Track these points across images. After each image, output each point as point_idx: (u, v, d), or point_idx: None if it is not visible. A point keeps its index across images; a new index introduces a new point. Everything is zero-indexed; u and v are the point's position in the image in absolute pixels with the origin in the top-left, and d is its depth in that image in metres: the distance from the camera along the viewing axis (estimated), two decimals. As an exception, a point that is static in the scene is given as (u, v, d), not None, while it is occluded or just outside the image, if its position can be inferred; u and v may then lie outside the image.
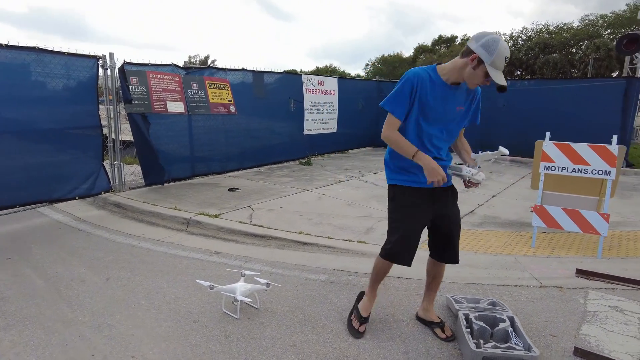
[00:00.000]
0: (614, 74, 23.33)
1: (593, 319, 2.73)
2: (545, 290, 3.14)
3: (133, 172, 6.32)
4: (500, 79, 2.00)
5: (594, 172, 3.94)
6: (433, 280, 2.64)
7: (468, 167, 2.24)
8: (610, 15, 26.99)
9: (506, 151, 2.22)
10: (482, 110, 2.35)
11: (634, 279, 3.23)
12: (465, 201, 5.38)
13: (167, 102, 5.97)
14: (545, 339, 2.50)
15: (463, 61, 2.05)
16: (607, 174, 3.89)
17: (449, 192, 2.40)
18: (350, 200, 5.48)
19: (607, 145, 3.92)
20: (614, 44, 16.16)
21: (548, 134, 4.17)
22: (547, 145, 4.13)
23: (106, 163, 5.59)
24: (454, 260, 2.48)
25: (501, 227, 4.63)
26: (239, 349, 2.37)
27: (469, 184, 2.25)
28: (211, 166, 6.90)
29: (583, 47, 26.14)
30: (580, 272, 3.37)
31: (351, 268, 3.51)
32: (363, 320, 2.55)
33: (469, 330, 2.35)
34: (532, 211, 5.13)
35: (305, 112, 8.80)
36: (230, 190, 5.92)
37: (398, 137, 2.19)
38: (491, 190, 6.21)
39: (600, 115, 7.75)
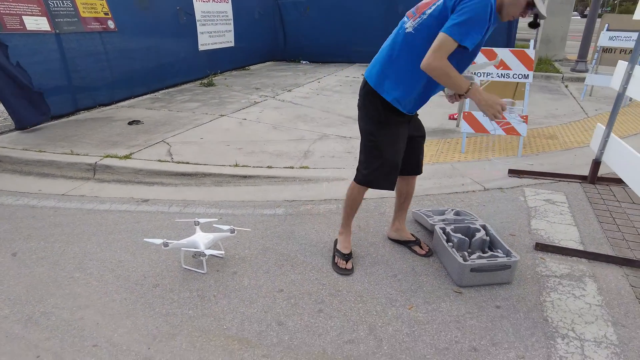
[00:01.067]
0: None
1: (536, 214, 3.02)
2: (490, 193, 3.36)
3: (-8, 112, 4.97)
4: (544, 8, 1.80)
5: (514, 76, 4.16)
6: (406, 199, 2.59)
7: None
8: None
9: (496, 61, 2.07)
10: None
11: (556, 173, 3.64)
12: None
13: (23, 16, 4.57)
14: (508, 239, 2.69)
15: None
16: (525, 78, 4.14)
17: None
18: (275, 124, 5.10)
19: (526, 50, 4.12)
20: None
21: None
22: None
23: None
24: (421, 170, 2.50)
25: (428, 136, 4.77)
26: (222, 308, 2.09)
27: (458, 96, 2.08)
28: (97, 97, 5.74)
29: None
30: (512, 172, 3.68)
31: (305, 197, 3.31)
32: (347, 257, 2.43)
33: (450, 243, 2.39)
34: (450, 118, 5.42)
35: (198, 23, 7.67)
36: (130, 123, 5.04)
37: (450, 68, 1.81)
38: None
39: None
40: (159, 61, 6.87)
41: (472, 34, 1.74)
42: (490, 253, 2.31)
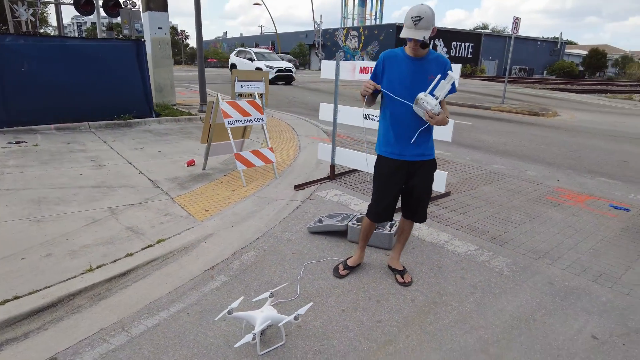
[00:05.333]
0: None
1: (337, 203, 4.45)
2: (306, 202, 4.45)
3: None
4: (406, 33, 2.36)
5: (255, 120, 5.31)
6: (402, 234, 3.00)
7: (427, 100, 2.45)
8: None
9: (455, 76, 2.54)
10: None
11: (314, 180, 5.19)
12: (156, 170, 5.11)
13: None
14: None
15: None
16: (261, 120, 5.39)
17: (425, 164, 2.71)
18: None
19: (255, 99, 5.35)
20: None
21: (219, 95, 4.98)
22: (223, 104, 4.98)
23: None
24: (423, 220, 2.88)
25: (203, 181, 5.04)
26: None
27: (431, 116, 2.43)
28: None
29: None
30: (297, 187, 4.90)
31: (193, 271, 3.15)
32: (348, 268, 2.98)
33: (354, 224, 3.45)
34: (188, 165, 5.83)
35: None
36: None
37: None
38: (152, 159, 5.92)
39: (125, 71, 8.57)
40: None
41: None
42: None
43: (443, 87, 2.47)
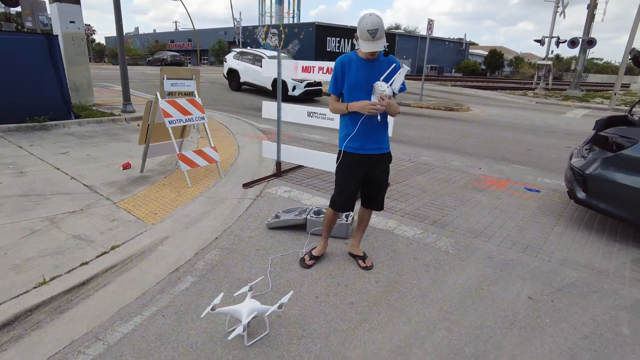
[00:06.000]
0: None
1: (288, 199, 4.58)
2: (258, 199, 4.51)
3: None
4: (367, 47, 2.56)
5: (196, 118, 5.21)
6: (361, 223, 3.23)
7: (381, 85, 2.66)
8: None
9: (408, 67, 2.76)
10: None
11: (262, 177, 5.24)
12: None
13: None
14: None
15: None
16: (202, 119, 5.29)
17: (383, 157, 2.96)
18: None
19: (195, 98, 5.24)
20: None
21: (158, 93, 4.82)
22: (163, 103, 4.83)
23: None
24: (381, 208, 3.13)
25: (144, 184, 4.83)
26: (317, 337, 2.33)
27: (382, 98, 2.62)
28: None
29: None
30: (245, 185, 4.91)
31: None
32: (313, 258, 3.12)
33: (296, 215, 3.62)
34: (124, 168, 5.55)
35: None
36: None
37: (333, 105, 2.80)
38: (98, 161, 5.41)
39: (37, 68, 7.80)
40: None
41: (330, 84, 2.88)
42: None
43: (397, 78, 2.69)
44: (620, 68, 17.86)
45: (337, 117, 4.76)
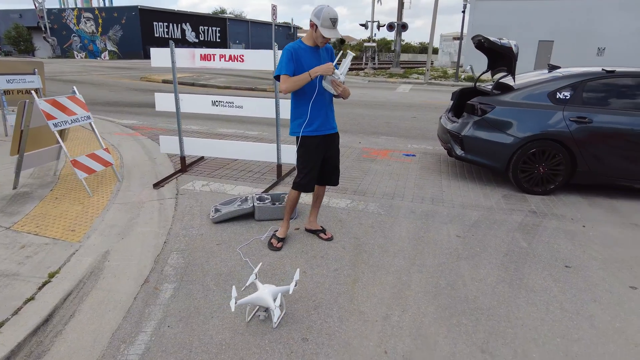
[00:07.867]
0: None
1: (211, 192, 4.51)
2: (179, 198, 4.29)
3: None
4: (330, 34, 2.80)
5: (82, 118, 4.55)
6: (317, 199, 3.49)
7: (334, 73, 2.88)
8: None
9: (353, 54, 3.00)
10: None
11: (171, 174, 4.93)
12: None
13: None
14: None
15: (310, 30, 2.94)
16: (89, 118, 4.65)
17: (335, 136, 3.24)
18: None
19: (76, 95, 4.55)
20: None
21: (34, 92, 4.07)
22: (42, 104, 4.12)
23: None
24: (337, 183, 3.39)
25: (30, 202, 4.04)
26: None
27: (337, 84, 2.89)
28: None
29: None
30: (155, 185, 4.57)
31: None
32: (280, 240, 3.21)
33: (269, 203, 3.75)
34: None
35: None
36: None
37: (291, 80, 2.86)
38: None
39: None
40: None
41: (284, 68, 2.99)
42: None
43: (345, 65, 2.98)
44: (428, 48, 21.63)
45: (246, 104, 4.83)
